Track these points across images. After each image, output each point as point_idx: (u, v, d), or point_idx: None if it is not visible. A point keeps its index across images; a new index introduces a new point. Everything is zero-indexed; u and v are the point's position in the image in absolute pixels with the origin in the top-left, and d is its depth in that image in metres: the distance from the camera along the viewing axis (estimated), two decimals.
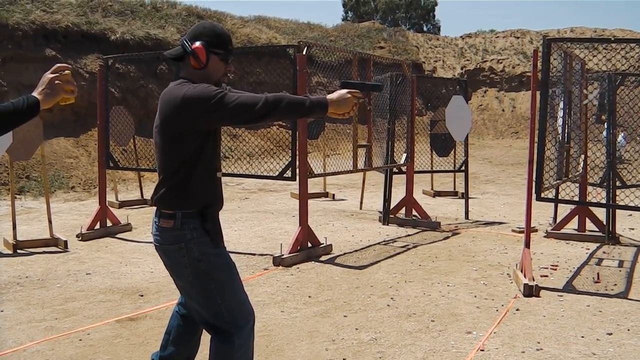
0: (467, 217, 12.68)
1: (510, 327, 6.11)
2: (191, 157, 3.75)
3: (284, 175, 8.81)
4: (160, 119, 3.76)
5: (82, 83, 20.15)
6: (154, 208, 3.89)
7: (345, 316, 6.39)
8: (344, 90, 3.70)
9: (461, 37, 44.00)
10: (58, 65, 3.18)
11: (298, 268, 8.28)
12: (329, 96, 3.64)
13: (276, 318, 6.30)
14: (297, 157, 8.66)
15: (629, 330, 6.06)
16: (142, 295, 7.12)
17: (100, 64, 11.01)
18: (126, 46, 21.86)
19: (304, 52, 8.60)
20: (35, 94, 3.10)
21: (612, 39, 7.33)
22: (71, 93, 3.19)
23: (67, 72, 3.16)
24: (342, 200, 15.32)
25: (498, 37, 42.48)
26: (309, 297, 7.04)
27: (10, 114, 2.99)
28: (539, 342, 5.69)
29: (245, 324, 3.87)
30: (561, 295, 7.19)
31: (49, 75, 3.13)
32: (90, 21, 22.23)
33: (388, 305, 6.77)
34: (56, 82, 3.12)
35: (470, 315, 6.48)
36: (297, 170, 8.71)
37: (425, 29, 64.15)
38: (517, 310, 6.65)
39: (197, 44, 3.76)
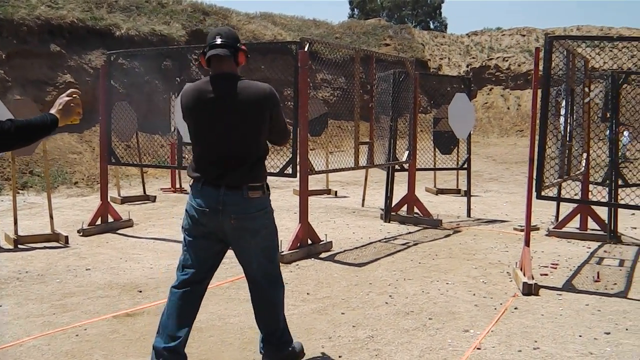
0: (469, 215, 12.67)
1: (507, 326, 6.09)
2: (266, 142, 4.82)
3: (285, 172, 8.80)
4: (248, 109, 4.56)
5: (86, 79, 20.21)
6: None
7: (342, 313, 6.38)
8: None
9: (467, 34, 43.93)
10: (72, 90, 3.84)
11: (297, 265, 8.28)
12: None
13: None
14: (298, 153, 8.64)
15: (627, 329, 6.03)
16: (140, 291, 7.12)
17: (104, 59, 11.01)
18: (131, 42, 21.90)
19: (306, 49, 8.59)
20: (53, 111, 3.73)
21: (615, 37, 7.30)
22: (78, 115, 3.87)
23: (76, 96, 3.84)
24: (345, 197, 15.34)
25: (504, 34, 42.39)
26: (307, 294, 7.03)
27: (39, 127, 3.63)
28: (536, 341, 5.67)
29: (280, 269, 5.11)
30: (560, 294, 7.17)
31: (65, 98, 3.78)
32: (96, 17, 22.27)
33: (386, 302, 6.76)
34: (71, 104, 3.80)
35: (468, 313, 6.46)
36: (298, 167, 8.70)
37: (431, 26, 64.14)
38: (516, 308, 6.63)
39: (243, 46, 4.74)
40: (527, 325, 6.13)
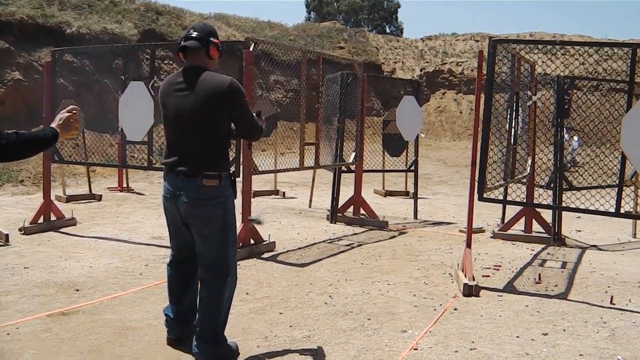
0: (415, 216, 12.69)
1: (446, 327, 6.07)
2: (229, 131, 4.96)
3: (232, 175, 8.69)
4: (205, 101, 4.75)
5: (35, 76, 19.86)
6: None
7: (280, 313, 6.31)
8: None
9: (422, 39, 44.09)
10: (72, 107, 4.08)
11: (239, 265, 8.08)
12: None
13: None
14: (242, 153, 8.55)
15: (564, 330, 6.05)
16: (77, 290, 6.97)
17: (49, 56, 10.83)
18: (82, 40, 21.55)
19: (251, 48, 8.51)
20: (54, 126, 3.95)
21: (558, 41, 7.35)
22: (76, 130, 4.10)
23: (76, 112, 4.06)
24: (293, 198, 15.26)
25: (458, 40, 42.64)
26: (247, 293, 6.94)
27: (42, 141, 3.85)
28: (473, 342, 5.66)
29: (235, 268, 5.15)
30: (501, 296, 7.18)
31: (66, 114, 4.00)
32: (46, 14, 21.89)
33: (325, 303, 6.71)
34: (71, 120, 4.03)
35: (408, 314, 6.44)
36: (242, 167, 8.60)
37: (388, 30, 64.29)
38: (455, 309, 6.62)
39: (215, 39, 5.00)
40: (465, 326, 6.12)
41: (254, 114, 5.16)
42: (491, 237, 10.68)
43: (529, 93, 9.57)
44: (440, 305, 6.77)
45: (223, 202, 4.92)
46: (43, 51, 20.76)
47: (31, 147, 3.78)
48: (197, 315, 5.25)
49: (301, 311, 6.40)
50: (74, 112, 4.06)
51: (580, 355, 5.44)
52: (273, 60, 16.81)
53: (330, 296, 6.96)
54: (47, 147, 4.08)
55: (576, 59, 10.06)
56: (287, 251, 9.19)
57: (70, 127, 4.03)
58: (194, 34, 4.89)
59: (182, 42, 4.91)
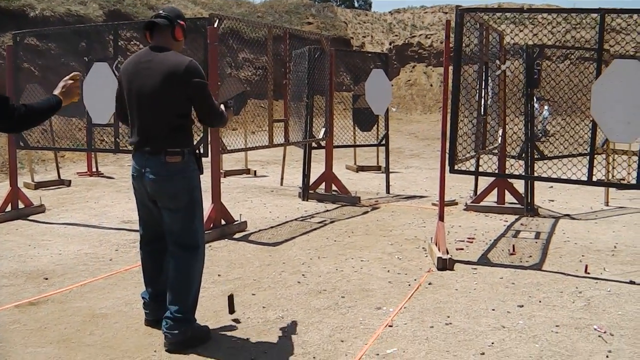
0: (388, 191, 12.62)
1: (421, 302, 6.00)
2: (189, 111, 4.96)
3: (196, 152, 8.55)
4: (161, 80, 4.77)
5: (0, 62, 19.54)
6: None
7: (253, 294, 6.21)
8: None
9: (390, 12, 43.99)
10: (74, 73, 4.24)
11: (210, 246, 8.03)
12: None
13: None
14: (210, 132, 8.40)
15: (540, 302, 6.00)
16: (46, 279, 6.82)
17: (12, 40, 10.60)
18: (46, 23, 21.22)
19: (215, 25, 8.35)
20: (56, 93, 4.14)
21: (525, 9, 7.25)
22: (77, 95, 4.32)
23: (77, 77, 4.27)
24: (264, 176, 15.14)
25: (427, 12, 42.56)
26: (219, 275, 6.84)
27: (48, 110, 4.08)
28: (448, 317, 5.60)
29: (203, 243, 5.24)
30: (475, 269, 7.13)
31: (69, 81, 4.20)
32: None
33: (299, 282, 6.62)
34: (73, 87, 4.23)
35: (382, 290, 6.36)
36: (210, 146, 8.46)
37: (356, 5, 64.03)
38: (430, 284, 6.56)
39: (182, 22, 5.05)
40: (440, 300, 6.05)
41: (222, 104, 5.29)
42: (464, 210, 10.63)
43: (498, 62, 9.50)
44: (415, 280, 6.70)
45: (188, 178, 4.98)
46: (7, 36, 20.37)
47: (39, 117, 4.08)
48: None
49: (274, 291, 6.31)
50: (76, 78, 4.27)
51: (557, 326, 5.40)
52: (241, 38, 16.60)
53: (303, 275, 6.87)
54: (52, 115, 4.25)
55: (545, 27, 10.00)
56: (259, 230, 9.08)
57: (73, 94, 4.25)
58: (162, 14, 4.97)
59: (151, 19, 5.00)
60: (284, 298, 6.11)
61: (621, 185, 10.56)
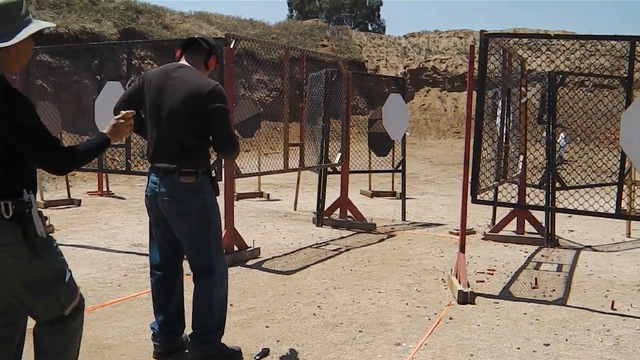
0: (404, 218, 12.37)
1: (442, 338, 5.73)
2: (207, 134, 4.78)
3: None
4: (182, 100, 4.68)
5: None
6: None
7: (267, 327, 5.95)
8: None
9: (404, 36, 43.98)
10: (127, 112, 4.06)
11: None
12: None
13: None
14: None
15: (566, 340, 5.73)
16: None
17: None
18: (61, 40, 21.19)
19: (232, 46, 8.15)
20: (105, 131, 3.92)
21: (552, 34, 7.03)
22: (127, 133, 4.18)
23: (130, 116, 4.06)
24: (277, 200, 14.92)
25: (442, 37, 42.52)
26: (231, 305, 6.53)
27: (97, 150, 3.86)
28: (472, 355, 5.33)
29: (222, 265, 5.06)
30: (497, 302, 6.85)
31: (120, 120, 3.99)
32: None
33: (314, 314, 6.35)
34: (124, 126, 4.01)
35: (401, 324, 6.09)
36: (223, 170, 8.23)
37: (370, 28, 64.15)
38: (451, 319, 6.29)
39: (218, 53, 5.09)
40: (462, 337, 5.78)
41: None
42: (482, 239, 10.38)
43: (523, 89, 9.27)
44: (435, 314, 6.43)
45: (202, 199, 4.84)
46: None
47: (89, 158, 3.83)
48: (184, 327, 5.26)
49: (289, 324, 6.05)
50: (128, 117, 4.06)
51: None
52: (256, 59, 16.43)
53: (318, 306, 6.61)
54: (100, 154, 4.22)
55: (562, 54, 9.78)
56: (273, 258, 8.82)
57: (122, 133, 4.04)
58: (204, 38, 5.00)
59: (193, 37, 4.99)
60: (299, 331, 5.85)
61: None
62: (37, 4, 22.98)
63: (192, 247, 4.93)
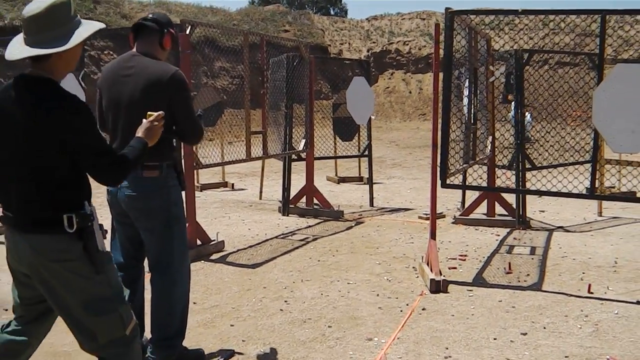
0: (372, 204, 12.10)
1: (415, 331, 5.48)
2: (170, 124, 4.43)
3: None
4: (141, 89, 4.41)
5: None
6: None
7: (232, 325, 5.67)
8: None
9: (367, 19, 43.70)
10: (158, 113, 3.83)
11: None
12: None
13: None
14: (182, 146, 7.83)
15: (544, 328, 5.51)
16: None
17: None
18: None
19: (188, 31, 7.82)
20: (141, 135, 3.71)
21: (520, 10, 6.77)
22: (158, 136, 3.88)
23: (161, 117, 3.86)
24: (242, 190, 14.57)
25: (404, 18, 42.30)
26: (194, 303, 6.25)
27: (144, 152, 3.64)
28: (447, 348, 5.09)
29: (184, 263, 4.76)
30: (471, 290, 6.62)
31: (154, 123, 3.79)
32: None
33: (281, 309, 6.07)
34: (158, 128, 3.82)
35: (372, 317, 5.84)
36: (183, 161, 7.91)
37: (332, 12, 63.83)
38: (424, 309, 6.04)
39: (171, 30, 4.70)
40: (436, 328, 5.54)
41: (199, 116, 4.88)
42: (452, 223, 10.15)
43: (491, 68, 9.03)
44: (407, 305, 6.18)
45: (166, 194, 4.57)
46: None
47: (136, 166, 3.72)
48: (144, 331, 4.90)
49: (255, 321, 5.77)
50: (159, 118, 3.85)
51: (566, 357, 4.92)
52: (217, 46, 16.12)
53: (285, 301, 6.33)
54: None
55: (525, 34, 9.56)
56: (238, 250, 8.51)
57: (157, 135, 3.84)
58: (152, 17, 4.66)
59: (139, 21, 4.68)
60: (266, 329, 5.57)
61: (627, 198, 9.94)
62: None
63: (153, 245, 4.64)
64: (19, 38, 3.30)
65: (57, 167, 3.23)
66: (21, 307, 3.61)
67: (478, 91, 8.69)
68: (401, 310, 6.02)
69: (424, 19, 40.70)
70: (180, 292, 4.72)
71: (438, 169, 7.05)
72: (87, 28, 3.34)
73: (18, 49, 3.23)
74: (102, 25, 3.51)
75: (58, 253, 3.25)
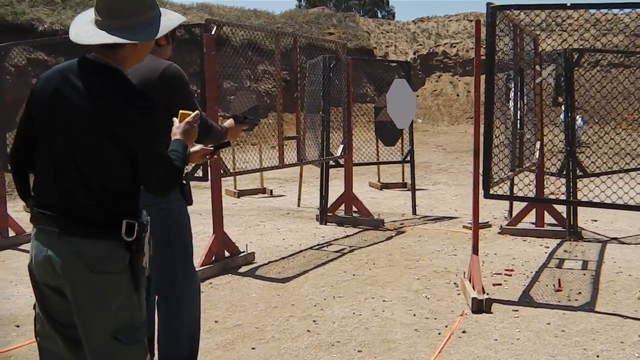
0: (414, 212, 11.59)
1: (454, 357, 5.00)
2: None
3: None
4: None
5: (7, 77, 18.80)
6: None
7: (253, 348, 5.22)
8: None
9: (413, 21, 43.09)
10: (193, 115, 3.39)
11: (211, 283, 7.06)
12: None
13: None
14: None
15: (597, 357, 4.96)
16: (18, 326, 5.87)
17: None
18: (56, 36, 20.57)
19: (213, 32, 7.40)
20: (180, 138, 3.28)
21: (569, 4, 6.23)
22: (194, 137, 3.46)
23: (197, 118, 3.45)
24: (281, 196, 14.16)
25: (451, 20, 41.61)
26: (215, 322, 5.85)
27: (186, 155, 3.25)
28: None
29: (190, 288, 4.31)
30: (516, 310, 6.08)
31: (193, 124, 3.37)
32: (16, 11, 20.97)
33: (308, 330, 5.61)
34: (195, 130, 3.40)
35: (407, 341, 5.34)
36: (209, 169, 7.47)
37: (379, 15, 63.46)
38: (464, 332, 5.53)
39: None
40: (477, 355, 5.03)
41: (232, 117, 4.42)
42: (499, 233, 9.60)
43: (538, 69, 8.47)
44: (446, 327, 5.67)
45: (165, 209, 4.09)
46: (14, 50, 19.74)
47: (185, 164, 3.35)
48: (153, 356, 4.38)
49: (278, 344, 5.31)
50: (196, 118, 3.41)
51: None
52: (261, 49, 15.77)
53: (314, 321, 5.86)
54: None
55: (575, 31, 9.02)
56: (269, 263, 8.07)
57: (194, 137, 3.44)
58: None
59: None
60: (289, 353, 5.11)
61: None
62: (31, 1, 22.35)
63: (153, 269, 4.06)
64: (85, 18, 2.90)
65: (119, 167, 2.85)
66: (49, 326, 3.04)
67: (525, 93, 8.15)
68: (439, 333, 5.52)
69: (471, 21, 39.90)
70: (187, 319, 4.28)
71: (480, 177, 6.53)
72: (171, 18, 3.00)
73: (89, 32, 2.81)
74: (183, 19, 3.18)
75: (104, 263, 2.82)
